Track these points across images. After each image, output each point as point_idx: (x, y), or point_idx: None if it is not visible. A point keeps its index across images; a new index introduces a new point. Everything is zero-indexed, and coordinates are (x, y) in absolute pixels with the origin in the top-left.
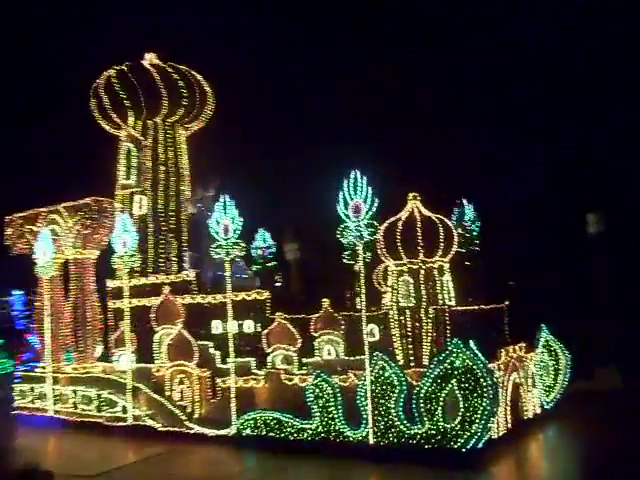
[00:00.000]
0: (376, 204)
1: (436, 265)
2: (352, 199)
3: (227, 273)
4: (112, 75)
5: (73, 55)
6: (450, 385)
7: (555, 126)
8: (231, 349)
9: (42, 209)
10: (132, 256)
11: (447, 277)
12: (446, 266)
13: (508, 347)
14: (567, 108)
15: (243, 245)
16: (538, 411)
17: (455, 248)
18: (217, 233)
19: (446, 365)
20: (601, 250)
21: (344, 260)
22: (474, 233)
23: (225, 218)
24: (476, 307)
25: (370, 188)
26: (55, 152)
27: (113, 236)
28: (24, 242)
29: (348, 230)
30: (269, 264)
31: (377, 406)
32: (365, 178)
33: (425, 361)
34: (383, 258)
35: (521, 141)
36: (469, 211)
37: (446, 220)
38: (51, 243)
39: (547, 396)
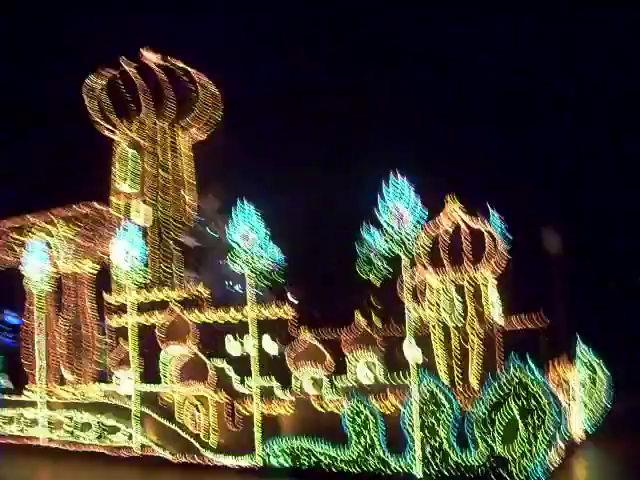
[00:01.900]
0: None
1: (483, 278)
2: (395, 206)
3: (249, 287)
4: (110, 72)
5: (61, 53)
6: (508, 408)
7: None
8: (254, 370)
9: (33, 218)
10: (139, 271)
11: (494, 291)
12: (492, 279)
13: (555, 365)
14: None
15: (268, 257)
16: (581, 433)
17: (503, 259)
18: (237, 243)
19: (502, 385)
20: None
21: (359, 273)
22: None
23: (246, 226)
24: (531, 326)
25: (414, 193)
26: (43, 156)
27: (117, 248)
28: (12, 254)
29: (390, 242)
30: (279, 281)
31: (425, 432)
32: (408, 182)
33: (474, 384)
34: (419, 271)
35: None
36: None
37: (491, 228)
38: (45, 256)
39: (589, 418)
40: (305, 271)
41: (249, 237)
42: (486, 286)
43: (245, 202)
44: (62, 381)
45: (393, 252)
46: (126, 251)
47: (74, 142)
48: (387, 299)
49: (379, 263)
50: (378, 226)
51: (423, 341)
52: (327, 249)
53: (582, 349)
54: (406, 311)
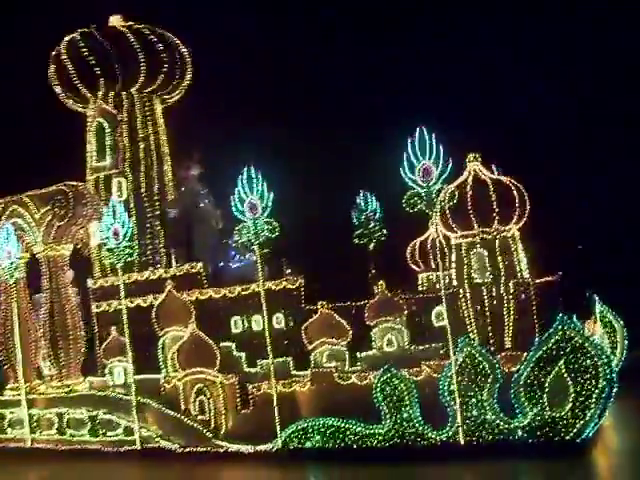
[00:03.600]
0: (449, 167)
1: (510, 234)
2: (419, 162)
3: (258, 259)
4: (78, 38)
5: (26, 21)
6: (557, 368)
7: None
8: (269, 347)
9: (0, 200)
10: (127, 248)
11: (520, 246)
12: (518, 234)
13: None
14: None
15: (276, 225)
16: None
17: (527, 212)
18: (242, 212)
19: (551, 345)
20: None
21: (354, 240)
22: None
23: (251, 194)
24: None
25: (439, 147)
26: (9, 134)
27: (102, 226)
28: None
29: (417, 198)
30: (377, 233)
31: (466, 400)
32: (433, 136)
33: (507, 343)
34: (442, 229)
35: None
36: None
37: (514, 182)
38: (15, 240)
39: None
40: (304, 243)
41: (257, 207)
42: (515, 241)
43: (252, 168)
44: (39, 376)
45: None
46: (113, 229)
47: (41, 120)
48: (389, 265)
49: (377, 228)
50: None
51: (449, 303)
52: (323, 219)
53: (601, 309)
54: (440, 272)
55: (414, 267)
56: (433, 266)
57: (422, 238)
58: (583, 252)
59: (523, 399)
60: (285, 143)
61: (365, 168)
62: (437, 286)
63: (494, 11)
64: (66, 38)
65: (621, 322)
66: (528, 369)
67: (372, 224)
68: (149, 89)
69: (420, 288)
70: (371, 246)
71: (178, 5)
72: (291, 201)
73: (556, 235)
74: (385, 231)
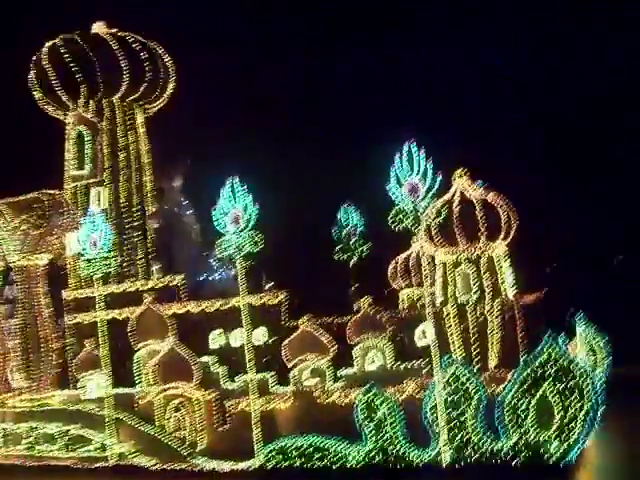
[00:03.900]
0: (438, 182)
1: (496, 252)
2: (406, 178)
3: (240, 272)
4: (59, 44)
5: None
6: (542, 389)
7: None
8: (249, 363)
9: None
10: (105, 258)
11: (507, 264)
12: (504, 252)
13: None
14: None
15: (259, 238)
16: None
17: (514, 230)
18: (223, 225)
19: (536, 366)
20: None
21: (335, 256)
22: None
23: (235, 206)
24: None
25: (428, 163)
26: None
27: (80, 235)
28: None
29: (403, 215)
30: (360, 248)
31: (450, 420)
32: (422, 151)
33: (492, 363)
34: (427, 246)
35: None
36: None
37: (501, 199)
38: None
39: None
40: (284, 257)
41: (240, 219)
42: (500, 260)
43: (236, 179)
44: (8, 389)
45: (403, 226)
46: (91, 239)
47: (19, 127)
48: (370, 281)
49: (359, 244)
50: (357, 205)
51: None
52: (306, 233)
53: (583, 327)
54: (425, 290)
55: (395, 285)
56: (415, 284)
57: (405, 255)
58: (558, 270)
59: (507, 420)
60: (268, 154)
61: (349, 182)
62: (419, 304)
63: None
64: (48, 43)
65: (604, 341)
66: (513, 390)
67: (353, 239)
68: (131, 98)
69: (401, 306)
70: (352, 262)
71: (161, 11)
72: (271, 214)
73: (539, 252)
74: (366, 247)
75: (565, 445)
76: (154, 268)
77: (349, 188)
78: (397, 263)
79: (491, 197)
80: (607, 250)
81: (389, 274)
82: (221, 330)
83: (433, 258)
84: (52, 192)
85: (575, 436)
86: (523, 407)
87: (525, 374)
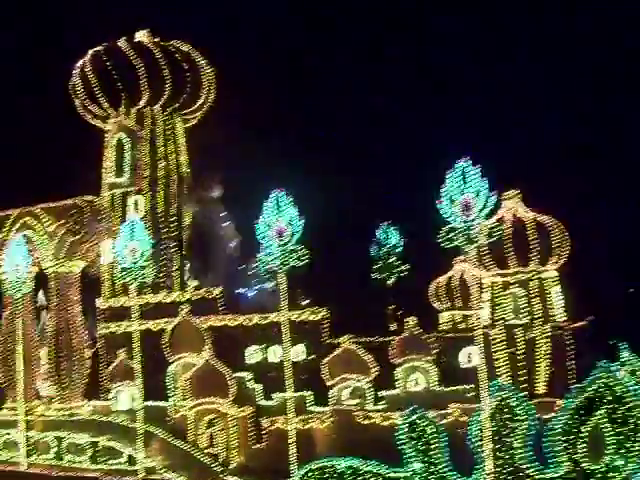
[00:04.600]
0: (492, 200)
1: (547, 275)
2: (461, 195)
3: (282, 287)
4: (102, 51)
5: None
6: (595, 418)
7: None
8: (288, 380)
9: (11, 211)
10: (143, 268)
11: (557, 288)
12: (555, 276)
13: None
14: None
15: (305, 252)
16: None
17: (567, 253)
18: (267, 238)
19: (590, 394)
20: None
21: (372, 275)
22: None
23: (278, 220)
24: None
25: (484, 180)
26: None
27: (117, 244)
28: None
29: (455, 233)
30: (396, 268)
31: (497, 446)
32: (477, 168)
33: (540, 389)
34: (475, 267)
35: None
36: None
37: (555, 221)
38: (25, 253)
39: None
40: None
41: (284, 233)
42: (551, 283)
43: (281, 192)
44: (37, 397)
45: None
46: (129, 248)
47: (59, 133)
48: (409, 301)
49: (396, 263)
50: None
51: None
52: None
53: (628, 356)
54: (474, 311)
55: (436, 305)
56: (458, 305)
57: (447, 275)
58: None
59: (558, 448)
60: (309, 169)
61: (390, 201)
62: (460, 326)
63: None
64: (91, 51)
65: None
66: (565, 417)
67: (392, 258)
68: (172, 107)
69: (441, 327)
70: (390, 281)
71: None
72: (308, 229)
73: (590, 278)
74: (405, 266)
75: (620, 477)
76: (189, 280)
77: (390, 207)
78: (438, 284)
79: (544, 219)
80: None
81: (430, 295)
82: (259, 345)
83: (477, 279)
84: (91, 199)
85: (630, 468)
86: (575, 435)
87: (578, 401)
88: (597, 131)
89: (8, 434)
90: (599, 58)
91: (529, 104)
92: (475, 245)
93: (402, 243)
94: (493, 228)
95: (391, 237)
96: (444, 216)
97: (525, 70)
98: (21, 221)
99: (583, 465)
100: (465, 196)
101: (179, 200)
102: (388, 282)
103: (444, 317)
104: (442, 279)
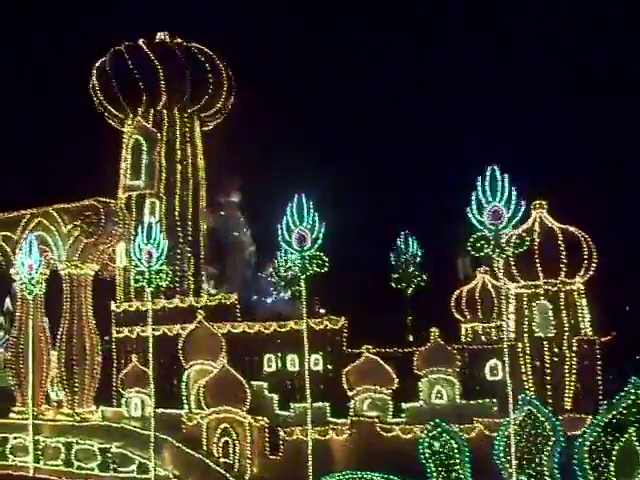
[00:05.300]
0: (521, 210)
1: (575, 287)
2: (488, 203)
3: (303, 294)
4: (123, 51)
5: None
6: (627, 435)
7: None
8: (306, 391)
9: (26, 211)
10: (159, 272)
11: (584, 301)
12: (581, 289)
13: None
14: None
15: (325, 259)
16: None
17: (595, 266)
18: (288, 244)
19: (621, 410)
20: None
21: (392, 284)
22: None
23: (299, 225)
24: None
25: (512, 188)
26: (41, 148)
27: (133, 247)
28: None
29: (484, 241)
30: (416, 279)
31: (524, 463)
32: (505, 176)
33: (567, 405)
34: (499, 277)
35: None
36: None
37: (583, 233)
38: (39, 254)
39: None
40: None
41: (307, 238)
42: (579, 295)
43: (302, 197)
44: (47, 401)
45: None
46: (146, 251)
47: (76, 134)
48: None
49: (416, 273)
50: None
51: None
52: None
53: None
54: (499, 323)
55: (459, 317)
56: (479, 317)
57: (469, 286)
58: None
59: (587, 466)
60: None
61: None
62: (482, 338)
63: None
64: (112, 50)
65: None
66: (595, 434)
67: (412, 268)
68: (191, 110)
69: (463, 339)
70: (409, 291)
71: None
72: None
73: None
74: (425, 276)
75: None
76: (206, 286)
77: (411, 216)
78: (461, 294)
79: (573, 230)
80: None
81: (452, 305)
82: (276, 353)
83: (498, 290)
84: (107, 200)
85: None
86: (605, 452)
87: (609, 417)
88: (630, 144)
89: (16, 438)
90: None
91: (560, 112)
92: (505, 255)
93: (421, 253)
94: (522, 238)
95: (411, 246)
96: (473, 224)
97: (557, 75)
98: (35, 221)
99: None
100: (494, 204)
101: (195, 204)
102: (407, 292)
103: (466, 329)
104: (464, 289)
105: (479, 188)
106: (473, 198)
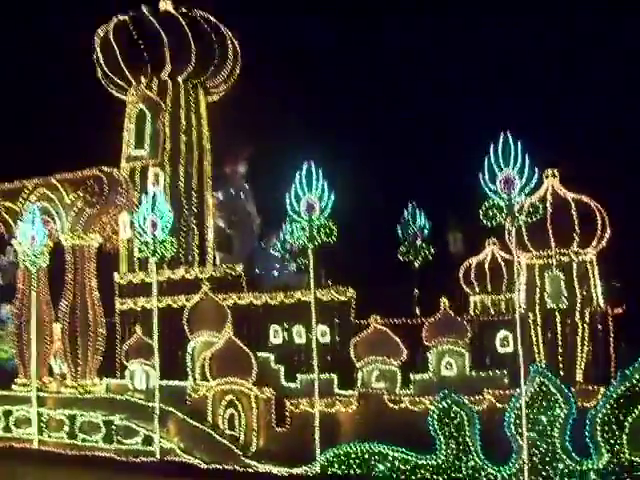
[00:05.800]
0: (535, 178)
1: (588, 257)
2: (501, 170)
3: (310, 263)
4: (126, 19)
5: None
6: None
7: None
8: (314, 362)
9: (28, 181)
10: (164, 242)
11: (596, 272)
12: (594, 259)
13: None
14: None
15: (333, 228)
16: None
17: (607, 237)
18: (297, 212)
19: (635, 382)
20: None
21: (399, 256)
22: None
23: (308, 193)
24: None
25: (525, 156)
26: (43, 114)
27: (137, 216)
28: (2, 224)
29: (496, 209)
30: (424, 251)
31: (534, 435)
32: (518, 143)
33: (579, 376)
34: (510, 248)
35: None
36: None
37: (596, 203)
38: (42, 225)
39: None
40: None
41: (315, 206)
42: (592, 266)
43: (311, 165)
44: (50, 374)
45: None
46: (150, 220)
47: (78, 102)
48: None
49: (424, 245)
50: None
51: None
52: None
53: None
54: (516, 295)
55: (467, 289)
56: (489, 289)
57: (479, 257)
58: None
59: (599, 439)
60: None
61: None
62: (491, 311)
63: None
64: (114, 18)
65: None
66: (607, 406)
67: (419, 241)
68: (196, 80)
69: (472, 312)
70: (416, 264)
71: None
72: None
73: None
74: (432, 249)
75: None
76: (215, 256)
77: (419, 186)
78: (469, 266)
79: (586, 199)
80: None
81: (461, 278)
82: (283, 325)
83: (507, 261)
84: (110, 170)
85: None
86: (618, 425)
87: (622, 389)
88: None
89: (19, 410)
90: None
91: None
92: (518, 223)
93: (429, 226)
94: (535, 206)
95: (419, 218)
96: (484, 192)
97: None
98: (37, 192)
99: (625, 457)
100: (507, 171)
101: (200, 175)
102: (415, 265)
103: (475, 302)
104: (473, 261)
105: (491, 155)
106: (485, 165)
